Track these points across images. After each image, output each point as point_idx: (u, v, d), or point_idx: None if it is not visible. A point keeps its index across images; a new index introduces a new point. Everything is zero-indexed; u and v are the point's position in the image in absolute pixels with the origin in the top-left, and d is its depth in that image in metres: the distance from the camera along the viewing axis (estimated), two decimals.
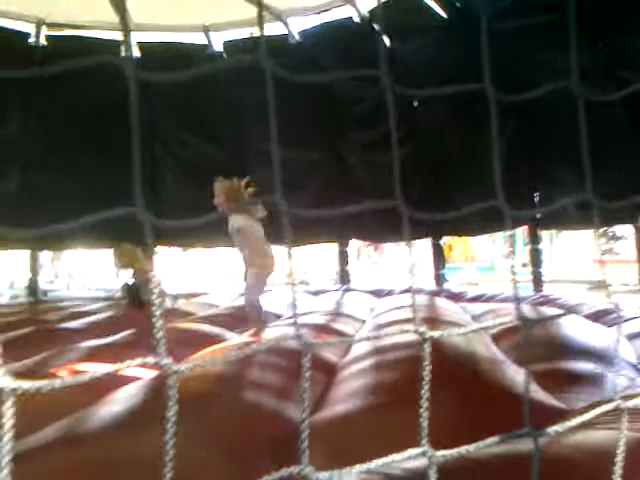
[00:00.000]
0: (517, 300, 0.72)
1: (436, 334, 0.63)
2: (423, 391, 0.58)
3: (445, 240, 6.91)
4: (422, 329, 0.63)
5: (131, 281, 4.68)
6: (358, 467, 0.59)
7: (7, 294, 7.71)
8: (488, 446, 0.64)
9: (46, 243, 5.83)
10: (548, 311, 3.87)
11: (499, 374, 1.85)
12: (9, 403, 0.36)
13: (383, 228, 6.09)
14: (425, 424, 0.59)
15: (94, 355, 2.58)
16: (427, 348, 0.60)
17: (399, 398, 1.66)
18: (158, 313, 0.46)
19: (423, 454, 0.58)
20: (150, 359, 0.45)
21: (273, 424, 1.63)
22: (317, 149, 6.21)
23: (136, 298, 4.56)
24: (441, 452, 0.59)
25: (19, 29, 5.80)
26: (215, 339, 3.12)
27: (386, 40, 5.90)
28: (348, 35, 5.85)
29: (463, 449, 0.60)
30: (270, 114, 0.57)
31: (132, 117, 0.42)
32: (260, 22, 0.58)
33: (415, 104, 6.05)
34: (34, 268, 6.26)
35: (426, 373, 0.59)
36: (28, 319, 4.04)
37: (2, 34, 5.52)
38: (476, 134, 5.50)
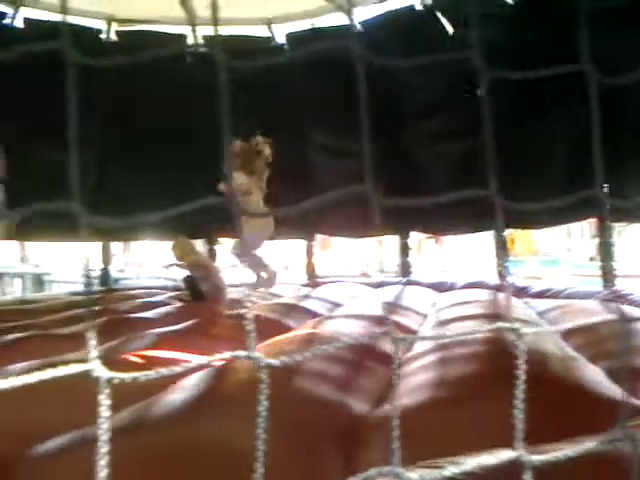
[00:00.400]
0: (614, 299, 0.69)
1: (530, 331, 0.61)
2: (517, 391, 0.57)
3: (508, 232, 6.76)
4: (516, 325, 0.61)
5: (190, 273, 4.79)
6: (449, 470, 0.58)
7: (80, 282, 8.04)
8: (586, 451, 0.62)
9: (119, 234, 6.02)
10: (623, 308, 3.73)
11: (573, 372, 1.80)
12: (105, 393, 0.37)
13: (445, 220, 6.02)
14: (520, 426, 0.58)
15: (161, 343, 2.65)
16: (522, 346, 0.59)
17: (464, 394, 1.64)
18: (249, 306, 0.46)
19: (518, 458, 0.57)
20: (241, 352, 0.45)
21: (335, 415, 1.64)
22: (380, 140, 6.17)
23: (196, 290, 4.66)
24: (536, 457, 0.57)
25: (91, 26, 6.01)
26: (280, 328, 3.15)
27: (449, 27, 5.81)
28: (411, 23, 5.78)
29: (560, 454, 0.58)
30: (362, 110, 0.56)
31: (222, 110, 0.42)
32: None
33: (478, 92, 5.91)
34: (106, 258, 6.49)
35: (521, 372, 0.57)
36: (101, 308, 4.19)
37: (76, 31, 5.72)
38: (543, 124, 5.36)
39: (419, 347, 2.34)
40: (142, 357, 2.27)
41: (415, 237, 7.40)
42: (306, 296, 4.66)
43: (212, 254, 6.76)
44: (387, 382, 1.95)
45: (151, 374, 0.41)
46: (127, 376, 0.38)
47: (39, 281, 8.17)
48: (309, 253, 6.64)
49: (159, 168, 6.03)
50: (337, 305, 4.41)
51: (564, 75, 0.79)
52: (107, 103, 5.67)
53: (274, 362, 0.46)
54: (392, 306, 4.08)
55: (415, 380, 1.82)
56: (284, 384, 1.67)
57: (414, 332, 3.25)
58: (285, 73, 5.60)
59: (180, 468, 1.31)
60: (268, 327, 3.25)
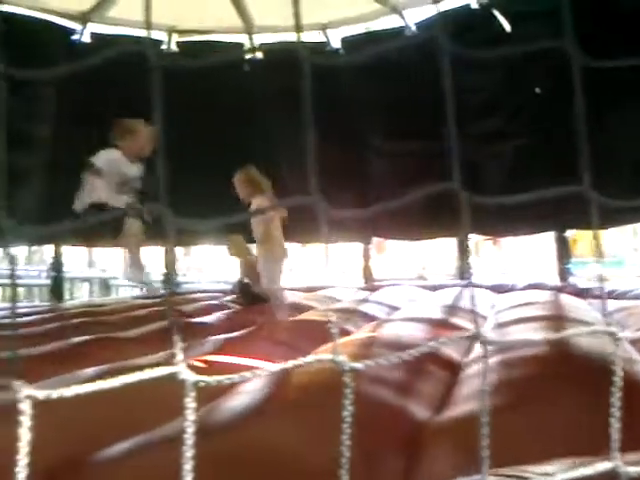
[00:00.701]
0: None
1: (629, 335, 0.58)
2: (613, 399, 0.56)
3: (570, 233, 6.58)
4: (613, 329, 0.60)
5: (244, 278, 4.84)
6: None
7: (144, 288, 8.29)
8: None
9: (181, 239, 6.16)
10: None
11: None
12: (191, 396, 0.39)
13: (503, 221, 5.91)
14: (616, 436, 0.56)
15: (223, 348, 2.70)
16: (619, 350, 0.57)
17: (526, 398, 1.61)
18: (333, 314, 0.47)
19: (615, 469, 0.55)
20: (325, 356, 0.46)
21: (396, 420, 1.63)
22: (434, 141, 6.13)
23: (249, 293, 4.71)
24: (633, 468, 0.55)
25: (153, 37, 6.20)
26: (340, 332, 3.16)
27: (506, 25, 5.71)
28: (467, 22, 5.71)
29: None
30: (450, 106, 0.57)
31: (306, 115, 0.43)
32: None
33: (538, 91, 5.81)
34: (170, 262, 6.66)
35: (617, 379, 0.56)
36: (164, 312, 4.30)
37: (138, 42, 5.90)
38: (603, 121, 5.20)
39: (479, 348, 2.31)
40: (205, 362, 2.32)
41: (473, 239, 7.30)
42: (364, 300, 4.66)
43: None
44: (448, 387, 1.93)
45: (235, 378, 0.43)
46: (212, 379, 0.40)
47: (106, 285, 8.47)
48: (366, 256, 6.63)
49: (218, 174, 6.15)
50: (395, 308, 4.40)
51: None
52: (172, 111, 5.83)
53: (358, 366, 0.47)
54: (451, 308, 4.04)
55: (475, 384, 1.80)
56: (338, 384, 1.67)
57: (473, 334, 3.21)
58: (341, 77, 5.63)
59: (244, 474, 1.33)
60: (326, 331, 3.27)
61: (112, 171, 4.20)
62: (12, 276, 0.51)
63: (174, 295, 5.64)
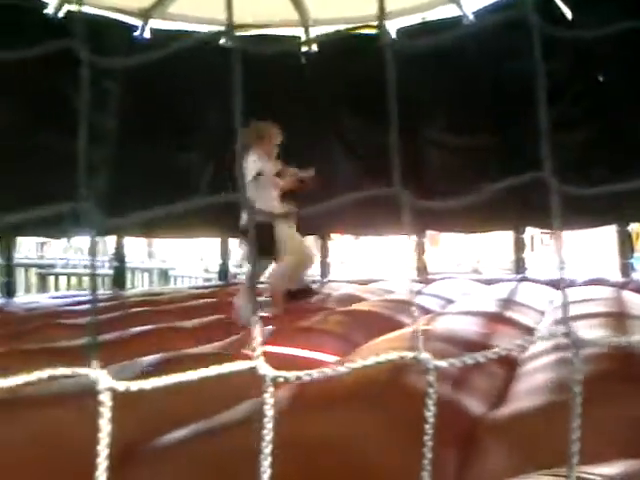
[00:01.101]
0: None
1: None
2: None
3: (633, 227, 6.37)
4: None
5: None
6: None
7: (201, 277, 8.48)
8: None
9: (234, 231, 6.27)
10: None
11: None
12: (270, 391, 0.40)
13: (563, 214, 5.75)
14: None
15: (276, 338, 2.74)
16: None
17: (587, 397, 1.58)
18: (414, 309, 0.46)
19: None
20: (408, 353, 0.46)
21: (451, 415, 1.63)
22: (490, 133, 6.03)
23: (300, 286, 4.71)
24: None
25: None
26: (393, 324, 3.16)
27: (567, 12, 5.54)
28: (525, 10, 5.56)
29: None
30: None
31: (390, 104, 0.42)
32: None
33: (600, 79, 5.64)
34: (224, 253, 6.79)
35: None
36: (219, 302, 4.40)
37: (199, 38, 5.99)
38: None
39: (537, 346, 2.27)
40: (255, 349, 2.36)
41: (530, 232, 7.15)
42: (418, 292, 4.64)
43: (324, 250, 6.87)
44: (504, 383, 1.91)
45: (314, 374, 0.44)
46: (291, 375, 0.41)
47: (165, 275, 8.70)
48: (420, 249, 6.58)
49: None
50: (450, 301, 4.36)
51: None
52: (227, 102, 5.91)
53: (442, 364, 0.45)
54: (507, 303, 3.97)
55: (533, 381, 1.78)
56: (399, 380, 1.68)
57: (531, 330, 3.16)
58: (397, 68, 5.57)
59: (301, 462, 1.35)
60: (381, 323, 3.27)
61: (268, 174, 4.15)
62: (92, 266, 0.54)
63: (229, 286, 5.75)
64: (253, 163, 4.01)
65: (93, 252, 0.52)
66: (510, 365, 2.11)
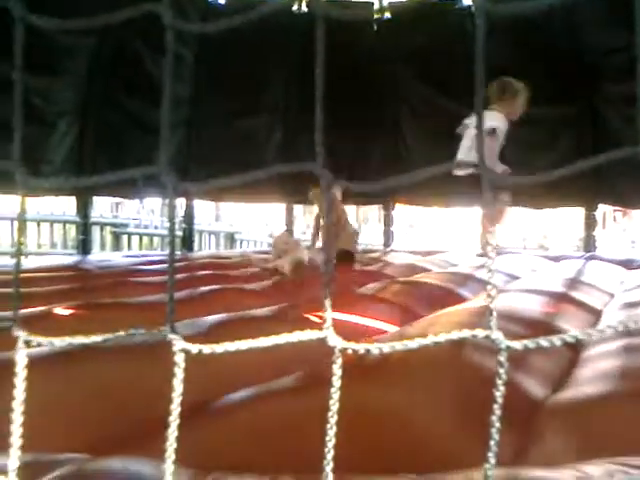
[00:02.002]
0: None
1: None
2: None
3: None
4: None
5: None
6: None
7: (266, 242, 8.64)
8: None
9: (299, 197, 6.31)
10: None
11: None
12: (338, 363, 0.42)
13: (636, 191, 5.52)
14: None
15: (336, 304, 2.77)
16: None
17: None
18: (491, 287, 0.45)
19: None
20: (480, 331, 0.45)
21: (510, 396, 1.61)
22: (570, 104, 5.80)
23: (345, 254, 4.73)
24: None
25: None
26: (454, 298, 3.14)
27: None
28: None
29: None
30: None
31: (478, 75, 0.41)
32: None
33: None
34: (290, 220, 6.87)
35: None
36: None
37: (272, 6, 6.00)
38: None
39: (606, 330, 2.20)
40: (321, 318, 2.40)
41: (601, 209, 6.90)
42: (482, 266, 4.57)
43: (388, 220, 6.85)
44: (568, 366, 1.88)
45: (385, 347, 0.44)
46: (360, 346, 0.42)
47: (231, 239, 8.90)
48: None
49: (340, 130, 6.20)
50: (514, 277, 4.28)
51: None
52: (296, 69, 5.91)
53: (516, 345, 0.44)
54: (573, 282, 3.87)
55: (599, 367, 1.74)
56: (458, 358, 1.68)
57: (598, 312, 3.07)
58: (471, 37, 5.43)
59: (349, 429, 1.38)
60: (442, 296, 3.26)
61: (500, 135, 4.09)
62: (172, 229, 0.56)
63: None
64: (488, 118, 3.81)
65: (172, 215, 0.54)
66: (575, 348, 2.07)
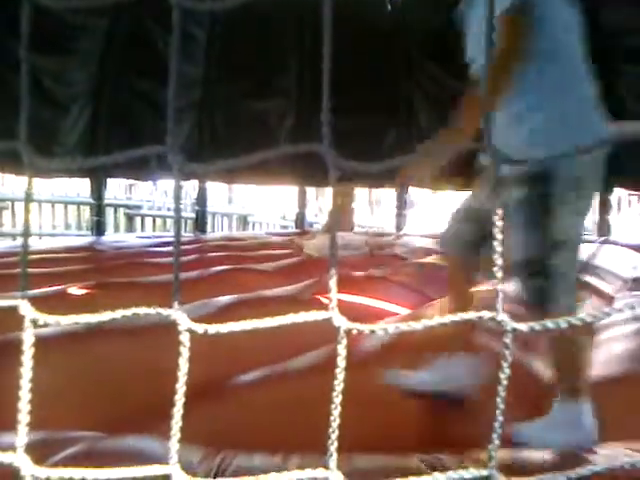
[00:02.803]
0: None
1: None
2: None
3: None
4: None
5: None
6: None
7: (278, 224, 8.64)
8: None
9: (311, 180, 6.28)
10: None
11: None
12: (343, 343, 0.41)
13: None
14: None
15: (347, 286, 2.76)
16: None
17: None
18: (498, 269, 0.44)
19: None
20: (486, 313, 0.44)
21: (518, 376, 1.61)
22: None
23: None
24: None
25: None
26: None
27: None
28: None
29: None
30: None
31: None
32: None
33: None
34: (302, 202, 6.86)
35: None
36: (294, 249, 4.49)
37: None
38: None
39: (617, 314, 2.20)
40: (330, 300, 2.40)
41: (616, 193, 6.82)
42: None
43: (400, 202, 6.82)
44: None
45: (390, 328, 0.44)
46: (364, 327, 0.42)
47: (244, 221, 8.91)
48: None
49: (353, 114, 6.15)
50: None
51: None
52: (310, 53, 5.87)
53: (522, 327, 0.44)
54: (587, 266, 3.83)
55: (611, 350, 1.73)
56: (462, 338, 1.67)
57: (610, 297, 3.05)
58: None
59: (358, 409, 1.38)
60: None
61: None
62: (177, 210, 0.56)
63: (305, 234, 5.83)
64: None
65: (178, 195, 0.54)
66: (587, 332, 2.06)
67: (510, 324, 0.43)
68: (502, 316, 0.43)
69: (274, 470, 0.49)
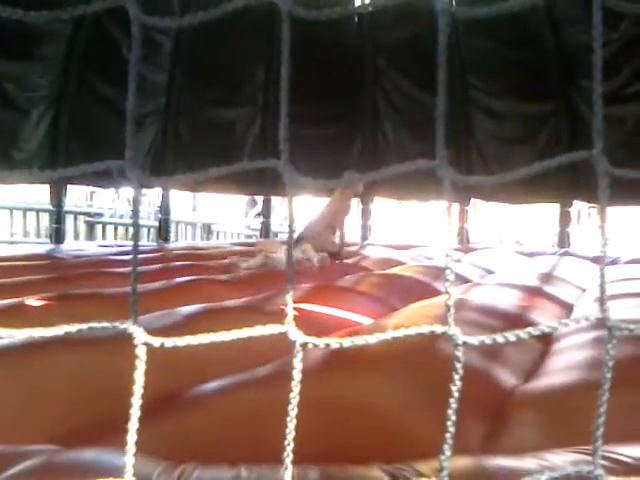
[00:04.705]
0: None
1: None
2: None
3: None
4: None
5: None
6: None
7: (243, 233, 8.60)
8: None
9: (278, 190, 6.27)
10: None
11: None
12: (299, 357, 0.42)
13: (614, 188, 5.59)
14: None
15: (312, 296, 2.77)
16: None
17: (622, 377, 1.56)
18: (449, 282, 0.45)
19: None
20: (438, 327, 0.45)
21: (480, 385, 1.63)
22: (548, 101, 5.87)
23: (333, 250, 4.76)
24: None
25: None
26: (430, 291, 3.16)
27: None
28: None
29: None
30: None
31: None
32: None
33: None
34: (267, 211, 6.85)
35: None
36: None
37: None
38: None
39: (576, 323, 2.24)
40: (296, 309, 2.39)
41: (576, 206, 6.98)
42: (458, 260, 4.61)
43: (366, 213, 6.86)
44: (538, 357, 1.91)
45: (345, 342, 0.45)
46: (320, 341, 0.43)
47: (208, 230, 8.85)
48: (462, 218, 6.52)
49: (320, 123, 6.18)
50: (489, 272, 4.33)
51: None
52: (277, 62, 5.88)
53: (472, 340, 0.44)
54: (547, 277, 3.92)
55: (569, 358, 1.77)
56: (428, 347, 1.69)
57: (570, 306, 3.12)
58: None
59: (321, 420, 1.38)
60: (418, 289, 3.28)
61: None
62: (135, 216, 0.56)
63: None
64: None
65: (136, 209, 0.53)
66: (546, 340, 2.10)
67: (461, 338, 0.44)
68: (453, 329, 0.44)
69: None
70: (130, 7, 0.45)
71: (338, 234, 4.81)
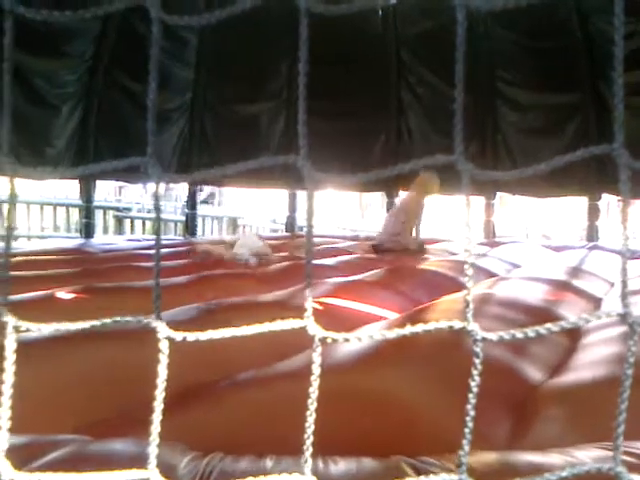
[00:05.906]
0: None
1: None
2: None
3: None
4: None
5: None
6: None
7: (268, 227, 8.64)
8: None
9: (303, 184, 6.27)
10: None
11: None
12: (317, 351, 0.42)
13: (635, 182, 5.49)
14: None
15: (340, 291, 2.77)
16: None
17: None
18: (468, 277, 0.45)
19: None
20: (457, 322, 0.45)
21: (507, 380, 1.62)
22: (575, 92, 5.77)
23: (378, 246, 4.77)
24: None
25: None
26: (456, 285, 3.14)
27: None
28: None
29: None
30: None
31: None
32: None
33: None
34: (292, 206, 6.86)
35: None
36: (285, 253, 4.48)
37: None
38: None
39: (604, 318, 2.21)
40: (322, 304, 2.41)
41: (605, 199, 6.86)
42: (484, 255, 4.57)
43: (390, 206, 6.83)
44: (565, 352, 1.88)
45: (364, 337, 0.45)
46: (339, 336, 0.43)
47: (234, 224, 8.90)
48: (488, 211, 6.45)
49: (344, 118, 6.16)
50: (515, 266, 4.28)
51: None
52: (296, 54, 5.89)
53: (491, 336, 0.44)
54: (575, 271, 3.87)
55: (596, 353, 1.75)
56: (457, 342, 1.68)
57: (598, 300, 3.08)
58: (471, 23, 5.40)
59: (348, 411, 1.39)
60: (444, 284, 3.26)
61: None
62: (157, 211, 0.56)
63: (295, 237, 5.83)
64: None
65: (157, 205, 0.54)
66: (574, 335, 2.08)
67: (480, 333, 0.44)
68: (472, 325, 0.44)
69: (260, 474, 0.49)
70: (151, 7, 0.45)
71: (415, 231, 4.85)
